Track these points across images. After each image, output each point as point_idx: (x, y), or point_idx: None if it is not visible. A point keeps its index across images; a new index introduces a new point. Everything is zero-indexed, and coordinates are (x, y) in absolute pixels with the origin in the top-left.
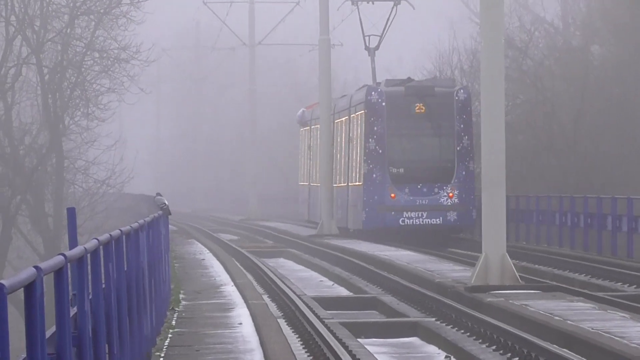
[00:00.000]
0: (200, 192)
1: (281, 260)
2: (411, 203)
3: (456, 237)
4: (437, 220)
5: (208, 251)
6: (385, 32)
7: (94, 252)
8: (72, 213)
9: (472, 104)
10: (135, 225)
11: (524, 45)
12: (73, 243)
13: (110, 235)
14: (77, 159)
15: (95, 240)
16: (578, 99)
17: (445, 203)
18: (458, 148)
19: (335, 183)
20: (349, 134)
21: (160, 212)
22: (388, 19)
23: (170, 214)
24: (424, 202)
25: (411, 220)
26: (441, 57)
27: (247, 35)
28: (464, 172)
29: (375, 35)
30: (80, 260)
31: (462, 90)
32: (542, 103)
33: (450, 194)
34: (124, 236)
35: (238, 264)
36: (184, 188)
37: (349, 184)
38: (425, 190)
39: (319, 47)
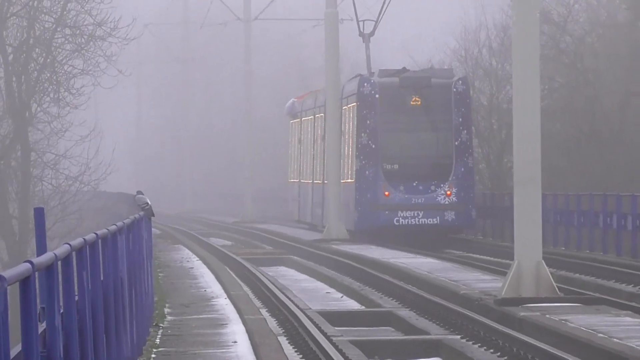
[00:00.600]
0: (188, 190)
1: (282, 268)
2: (406, 202)
3: (455, 237)
4: (434, 220)
5: (197, 258)
6: (381, 16)
7: (66, 259)
8: (40, 214)
9: (470, 96)
10: (113, 228)
11: (562, 19)
12: (41, 248)
13: (84, 239)
14: (46, 151)
15: (67, 246)
16: (624, 81)
17: (442, 202)
18: (456, 143)
19: (327, 180)
20: (341, 128)
21: (141, 213)
22: (384, 3)
23: (153, 215)
24: (420, 200)
25: (406, 220)
26: (466, 33)
27: (241, 9)
28: (462, 169)
29: (370, 20)
30: (49, 269)
31: (460, 82)
32: (583, 86)
33: (448, 192)
34: (100, 241)
35: (232, 273)
36: (169, 185)
37: (341, 181)
38: (421, 188)
39: (324, 22)
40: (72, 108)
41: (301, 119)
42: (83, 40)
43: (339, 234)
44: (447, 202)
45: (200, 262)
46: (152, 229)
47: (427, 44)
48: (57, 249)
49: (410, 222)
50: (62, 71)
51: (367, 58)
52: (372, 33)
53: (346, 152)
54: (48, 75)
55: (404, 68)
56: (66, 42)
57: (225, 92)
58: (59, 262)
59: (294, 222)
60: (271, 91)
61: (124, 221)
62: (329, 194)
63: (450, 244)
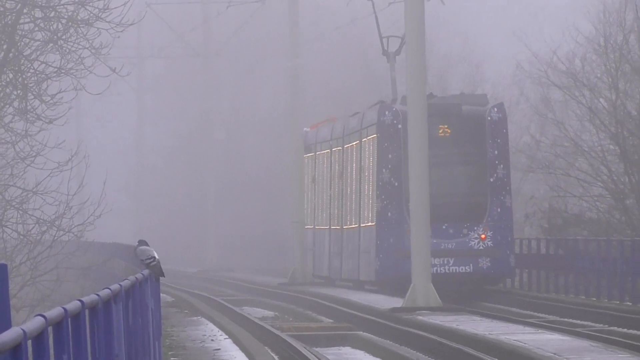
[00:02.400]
0: (212, 239)
1: (346, 350)
2: (435, 247)
3: (491, 289)
4: (467, 267)
5: (225, 336)
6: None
7: (39, 338)
8: (1, 274)
9: (507, 125)
10: (105, 293)
11: None
12: (4, 322)
13: (65, 309)
14: (8, 185)
15: (41, 319)
16: None
17: (476, 247)
18: (491, 179)
19: (345, 224)
20: (360, 163)
21: (145, 272)
22: None
23: (162, 274)
24: (450, 246)
25: (435, 268)
26: (607, 14)
27: None
28: (499, 209)
29: (395, 36)
30: (16, 351)
31: (495, 109)
32: None
33: (483, 236)
34: (86, 311)
35: (276, 358)
36: (185, 232)
37: (361, 225)
38: (451, 231)
39: None
40: (45, 123)
41: (315, 153)
42: (60, 26)
43: (428, 301)
44: (481, 247)
45: (229, 341)
46: (162, 294)
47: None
48: (25, 323)
49: (439, 271)
50: (31, 70)
51: (392, 81)
52: (398, 51)
53: (365, 190)
54: (11, 76)
55: (431, 94)
56: (36, 28)
57: (262, 98)
58: (29, 342)
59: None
60: (322, 91)
61: (121, 284)
62: (415, 243)
63: (486, 297)
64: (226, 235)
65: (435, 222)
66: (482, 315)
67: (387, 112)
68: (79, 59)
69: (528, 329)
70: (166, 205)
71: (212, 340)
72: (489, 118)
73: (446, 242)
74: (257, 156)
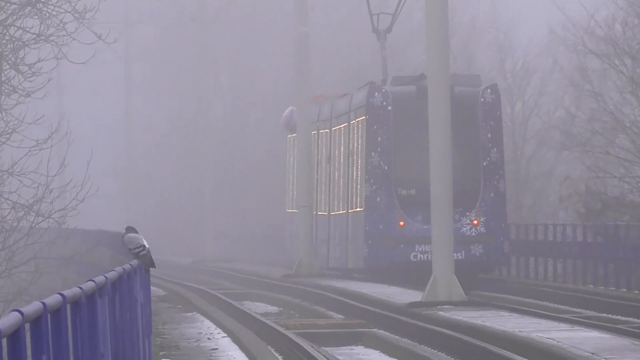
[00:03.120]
0: (209, 226)
1: (359, 350)
2: (425, 233)
3: (484, 277)
4: (459, 254)
5: (224, 334)
6: (399, 9)
7: (14, 336)
8: None
9: (501, 107)
10: (89, 286)
11: None
12: None
13: (44, 304)
14: None
15: (17, 314)
16: None
17: (468, 233)
18: (484, 163)
19: (333, 210)
20: (349, 146)
21: (134, 262)
22: None
23: (153, 265)
24: None
25: (425, 255)
26: None
27: None
28: (492, 194)
29: (386, 13)
30: None
31: (489, 90)
32: None
33: (475, 222)
34: (68, 306)
35: (280, 359)
36: (179, 218)
37: (349, 210)
38: None
39: None
40: (22, 96)
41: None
42: None
43: (451, 295)
44: (474, 234)
45: (227, 340)
46: (153, 287)
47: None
48: (1, 319)
49: (429, 258)
50: (7, 37)
51: (383, 61)
52: (389, 29)
53: (354, 175)
54: None
55: (422, 74)
56: None
57: (267, 68)
58: (4, 340)
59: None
60: (330, 63)
61: (107, 275)
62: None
63: (479, 285)
64: (225, 222)
65: (426, 207)
66: (511, 310)
67: (376, 94)
68: (61, 24)
69: (563, 325)
70: (158, 189)
71: (209, 339)
72: (482, 100)
73: None
74: (259, 135)
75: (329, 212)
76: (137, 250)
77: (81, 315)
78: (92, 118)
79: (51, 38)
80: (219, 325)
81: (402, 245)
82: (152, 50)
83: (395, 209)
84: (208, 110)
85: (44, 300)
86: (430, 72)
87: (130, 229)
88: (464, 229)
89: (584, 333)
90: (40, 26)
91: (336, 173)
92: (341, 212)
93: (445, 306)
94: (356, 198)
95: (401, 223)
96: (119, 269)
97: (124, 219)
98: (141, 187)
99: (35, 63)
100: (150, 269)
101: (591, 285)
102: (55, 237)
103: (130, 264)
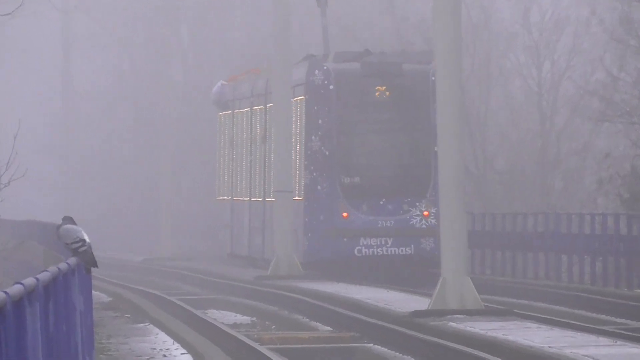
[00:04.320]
0: (165, 216)
1: None
2: (371, 225)
3: (436, 271)
4: (408, 249)
5: (183, 350)
6: None
7: None
8: None
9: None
10: (16, 290)
11: None
12: None
13: None
14: None
15: None
16: None
17: (418, 225)
18: (436, 148)
19: (269, 196)
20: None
21: (72, 260)
22: None
23: (95, 264)
24: (388, 223)
25: (371, 250)
26: None
27: None
28: None
29: None
30: None
31: None
32: None
33: (426, 213)
34: None
35: None
36: (130, 208)
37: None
38: (390, 207)
39: None
40: None
41: (233, 111)
42: None
43: (463, 301)
44: (424, 226)
45: (188, 357)
46: (95, 291)
47: None
48: None
49: (376, 252)
50: None
51: (324, 30)
52: None
53: (293, 160)
54: None
55: (367, 50)
56: None
57: (235, 24)
58: None
59: (227, 256)
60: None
61: (38, 277)
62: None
63: (430, 281)
64: (185, 213)
65: (372, 197)
66: (538, 320)
67: (316, 71)
68: None
69: (603, 339)
70: (103, 170)
71: (165, 355)
72: (433, 78)
73: (384, 219)
74: None
75: (263, 198)
76: (76, 245)
77: (6, 326)
78: (21, 83)
79: None
80: (177, 339)
81: (345, 239)
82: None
83: (337, 198)
84: (165, 71)
85: None
86: (437, 47)
87: (67, 220)
88: (414, 220)
89: (629, 349)
90: None
91: (272, 155)
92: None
93: (457, 315)
94: (295, 185)
95: (344, 214)
96: (53, 268)
97: (61, 208)
98: (82, 168)
99: None
100: (92, 268)
101: (638, 290)
102: None
103: (67, 263)
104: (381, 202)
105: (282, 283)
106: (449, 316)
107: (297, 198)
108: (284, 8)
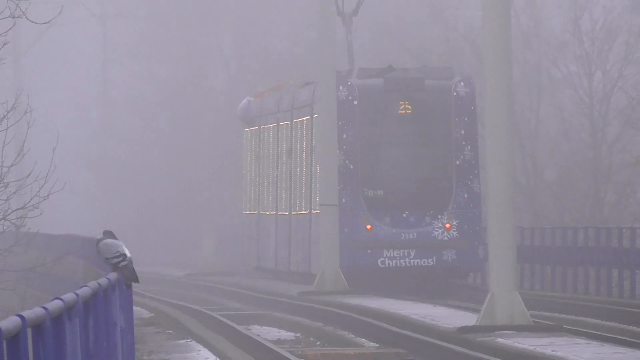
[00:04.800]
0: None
1: None
2: (394, 237)
3: (457, 282)
4: (430, 260)
5: None
6: None
7: None
8: None
9: (475, 102)
10: (55, 305)
11: None
12: None
13: None
14: None
15: None
16: None
17: (440, 237)
18: (457, 162)
19: (295, 210)
20: (312, 141)
21: (112, 275)
22: None
23: (136, 279)
24: (411, 236)
25: (394, 261)
26: None
27: None
28: (465, 195)
29: None
30: None
31: (462, 83)
32: None
33: (448, 225)
34: (28, 331)
35: None
36: (171, 222)
37: (312, 211)
38: (412, 219)
39: None
40: None
41: (260, 127)
42: None
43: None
44: (446, 238)
45: None
46: (136, 307)
47: None
48: None
49: (398, 264)
50: None
51: (349, 46)
52: (355, 12)
53: (317, 173)
54: None
55: (390, 66)
56: None
57: (279, 31)
58: None
59: (252, 269)
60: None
61: (78, 292)
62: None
63: (453, 292)
64: (227, 225)
65: (395, 210)
66: (588, 336)
67: (341, 87)
68: None
69: None
70: (142, 183)
71: None
72: (454, 93)
73: (407, 231)
74: None
75: (289, 212)
76: (116, 260)
77: (45, 342)
78: (59, 93)
79: None
80: (220, 355)
81: (369, 250)
82: (136, 5)
83: (361, 211)
84: (207, 80)
85: None
86: (485, 59)
87: (107, 234)
88: (436, 232)
89: None
90: None
91: (298, 170)
92: (304, 212)
93: (505, 331)
94: (316, 198)
95: (368, 226)
96: (93, 284)
97: (100, 221)
98: (121, 181)
99: None
100: (133, 284)
101: None
102: (12, 244)
103: (108, 278)
104: (404, 215)
105: (327, 299)
106: (497, 332)
107: (319, 211)
108: (328, 21)
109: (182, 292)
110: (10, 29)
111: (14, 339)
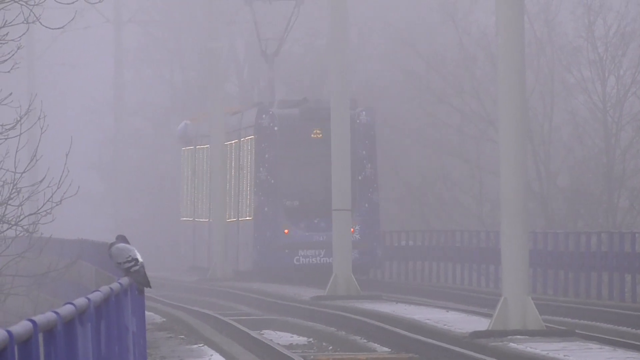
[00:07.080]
0: (221, 234)
1: None
2: (307, 239)
3: (360, 279)
4: None
5: None
6: (286, 35)
7: None
8: None
9: (375, 128)
10: (67, 310)
11: None
12: None
13: (9, 333)
14: None
15: None
16: None
17: None
18: (360, 177)
19: (227, 218)
20: (239, 161)
21: (125, 280)
22: (289, 21)
23: (148, 284)
24: (321, 238)
25: (307, 259)
26: None
27: None
28: (366, 205)
29: (273, 39)
30: None
31: (364, 113)
32: None
33: (352, 229)
34: (40, 336)
35: None
36: (182, 225)
37: (239, 219)
38: (323, 225)
39: None
40: None
41: (195, 147)
42: None
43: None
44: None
45: None
46: (148, 312)
47: None
48: None
49: (311, 261)
50: None
51: (270, 82)
52: (276, 53)
53: (245, 187)
54: None
55: (305, 98)
56: None
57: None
58: None
59: (188, 268)
60: (378, 27)
61: (90, 297)
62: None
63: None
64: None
65: (308, 217)
66: (601, 341)
67: (264, 116)
68: None
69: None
70: (154, 188)
71: None
72: (357, 121)
73: (318, 234)
74: None
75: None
76: (128, 265)
77: (57, 346)
78: (72, 98)
79: None
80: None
81: (286, 251)
82: (149, 10)
83: (280, 218)
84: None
85: (10, 329)
86: (500, 54)
87: (120, 239)
88: None
89: None
90: None
91: (227, 184)
92: (232, 219)
93: (518, 336)
94: (246, 207)
95: (286, 231)
96: (105, 289)
97: (112, 226)
98: (133, 186)
99: (0, 28)
100: (145, 288)
101: None
102: (25, 249)
103: (120, 283)
104: (315, 221)
105: (340, 303)
106: (510, 337)
107: (248, 218)
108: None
109: (195, 298)
110: (23, 33)
111: (26, 343)
